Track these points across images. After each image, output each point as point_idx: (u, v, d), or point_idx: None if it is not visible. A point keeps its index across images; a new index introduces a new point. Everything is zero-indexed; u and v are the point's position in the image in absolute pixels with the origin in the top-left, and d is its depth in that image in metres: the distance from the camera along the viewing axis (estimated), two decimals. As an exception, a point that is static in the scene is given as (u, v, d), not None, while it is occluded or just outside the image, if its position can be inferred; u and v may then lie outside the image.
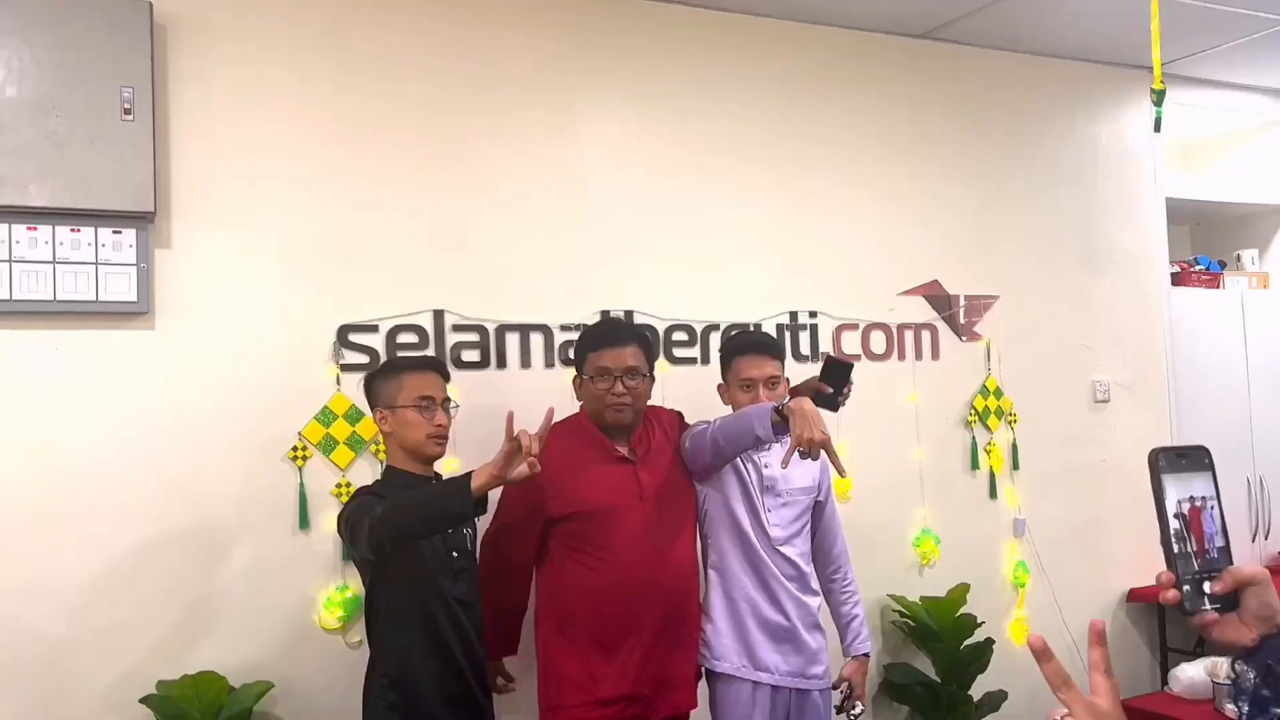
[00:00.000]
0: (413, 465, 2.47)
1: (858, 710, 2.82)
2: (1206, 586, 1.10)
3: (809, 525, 2.84)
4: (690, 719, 2.73)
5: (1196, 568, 1.10)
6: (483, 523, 2.58)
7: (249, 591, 2.75)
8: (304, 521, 2.81)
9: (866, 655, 2.88)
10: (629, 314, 3.29)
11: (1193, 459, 1.14)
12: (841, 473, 2.40)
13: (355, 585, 2.83)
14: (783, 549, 2.74)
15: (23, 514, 2.55)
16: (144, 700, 2.56)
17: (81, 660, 2.59)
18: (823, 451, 2.33)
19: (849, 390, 2.75)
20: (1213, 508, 1.13)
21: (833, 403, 2.66)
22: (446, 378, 2.56)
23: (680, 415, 2.87)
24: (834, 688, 2.82)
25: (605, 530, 2.57)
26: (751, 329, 3.43)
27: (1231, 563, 1.11)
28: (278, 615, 2.79)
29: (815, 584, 2.83)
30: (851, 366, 2.72)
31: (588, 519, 2.58)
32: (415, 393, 2.44)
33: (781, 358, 2.84)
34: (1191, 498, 1.12)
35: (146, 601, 2.66)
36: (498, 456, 2.08)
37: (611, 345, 2.63)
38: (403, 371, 2.50)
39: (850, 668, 2.84)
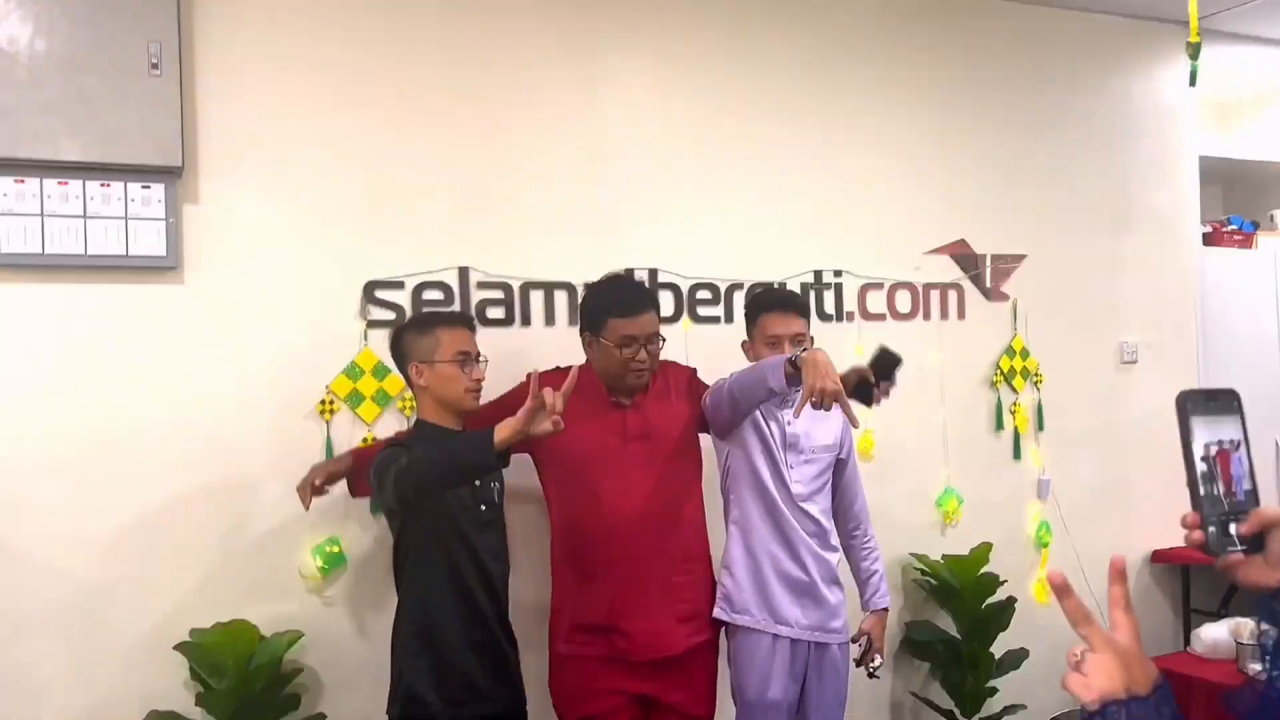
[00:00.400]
0: (445, 419, 2.51)
1: (876, 664, 2.84)
2: (1232, 528, 1.10)
3: (830, 482, 2.85)
4: (682, 667, 2.68)
5: (1223, 510, 1.10)
6: (510, 478, 2.61)
7: (278, 543, 2.79)
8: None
9: (886, 610, 2.90)
10: (652, 273, 3.29)
11: (1222, 402, 1.14)
12: (854, 423, 2.41)
13: (348, 539, 2.87)
14: (804, 505, 2.75)
15: (55, 465, 2.60)
16: (177, 647, 2.62)
17: (115, 609, 2.65)
18: (835, 404, 2.31)
19: (890, 388, 2.53)
20: (1241, 451, 1.13)
21: (869, 395, 2.49)
22: (475, 331, 2.59)
23: (694, 371, 2.87)
24: (853, 641, 2.84)
25: (588, 470, 2.61)
26: (776, 287, 3.43)
27: (1259, 505, 1.11)
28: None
29: (835, 540, 2.85)
30: (901, 361, 2.53)
31: (572, 462, 2.62)
32: (453, 348, 2.48)
33: (807, 315, 2.84)
34: (1220, 441, 1.12)
35: (178, 552, 2.71)
36: (522, 413, 2.11)
37: (635, 313, 2.60)
38: (438, 327, 2.53)
39: (870, 622, 2.87)
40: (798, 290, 3.47)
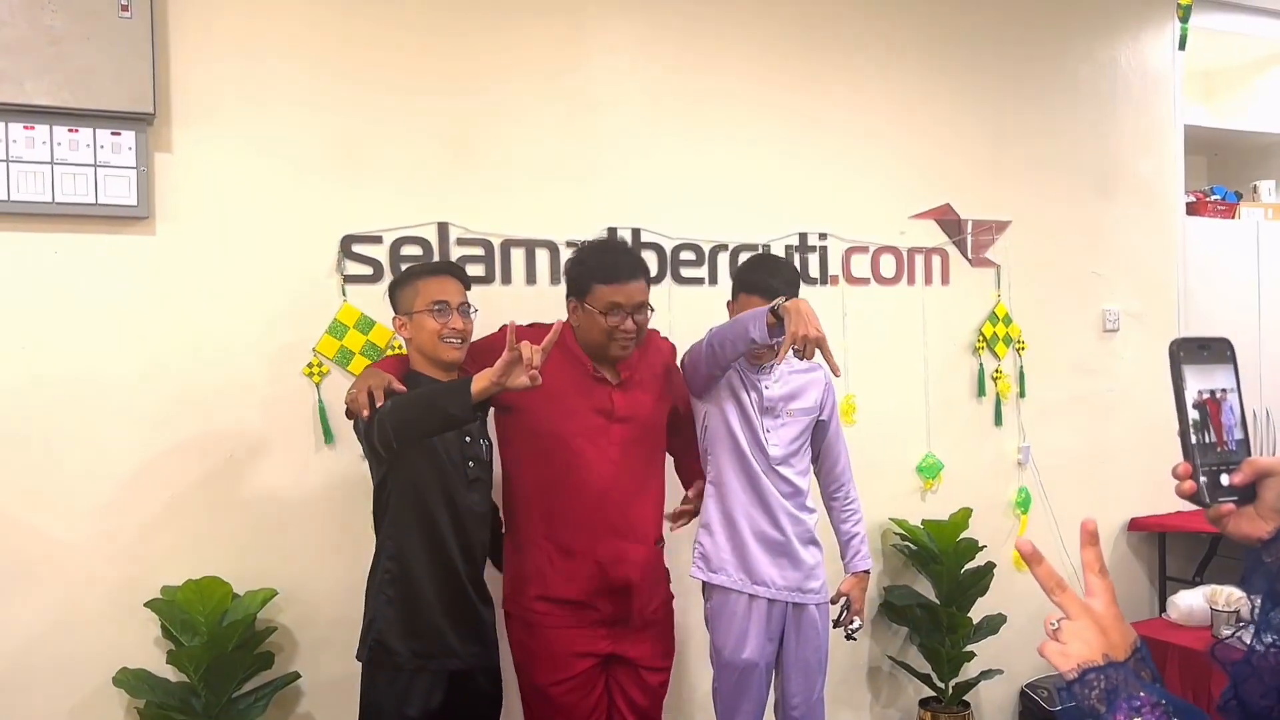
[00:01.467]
0: (434, 370, 2.47)
1: (855, 625, 2.83)
2: (1224, 479, 1.08)
3: (808, 443, 2.83)
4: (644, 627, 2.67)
5: (1214, 459, 1.08)
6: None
7: (252, 500, 2.75)
8: (329, 436, 2.83)
9: (866, 572, 2.89)
10: (635, 232, 3.25)
11: (1214, 351, 1.12)
12: (835, 372, 2.42)
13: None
14: (780, 468, 2.74)
15: (23, 420, 2.54)
16: (148, 604, 2.58)
17: (88, 564, 2.60)
18: (818, 349, 2.32)
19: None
20: (1233, 400, 1.10)
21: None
22: (465, 283, 2.55)
23: (674, 350, 2.84)
24: (832, 602, 2.84)
25: (571, 447, 2.54)
26: (760, 250, 3.39)
27: (1250, 455, 1.09)
28: (283, 524, 2.79)
29: (811, 502, 2.84)
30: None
31: (555, 440, 2.54)
32: (430, 297, 2.44)
33: (796, 285, 2.76)
34: (1211, 390, 1.10)
35: (149, 509, 2.66)
36: (499, 364, 2.09)
37: (624, 280, 2.53)
38: (419, 277, 2.50)
39: (849, 583, 2.86)
40: (782, 253, 3.44)
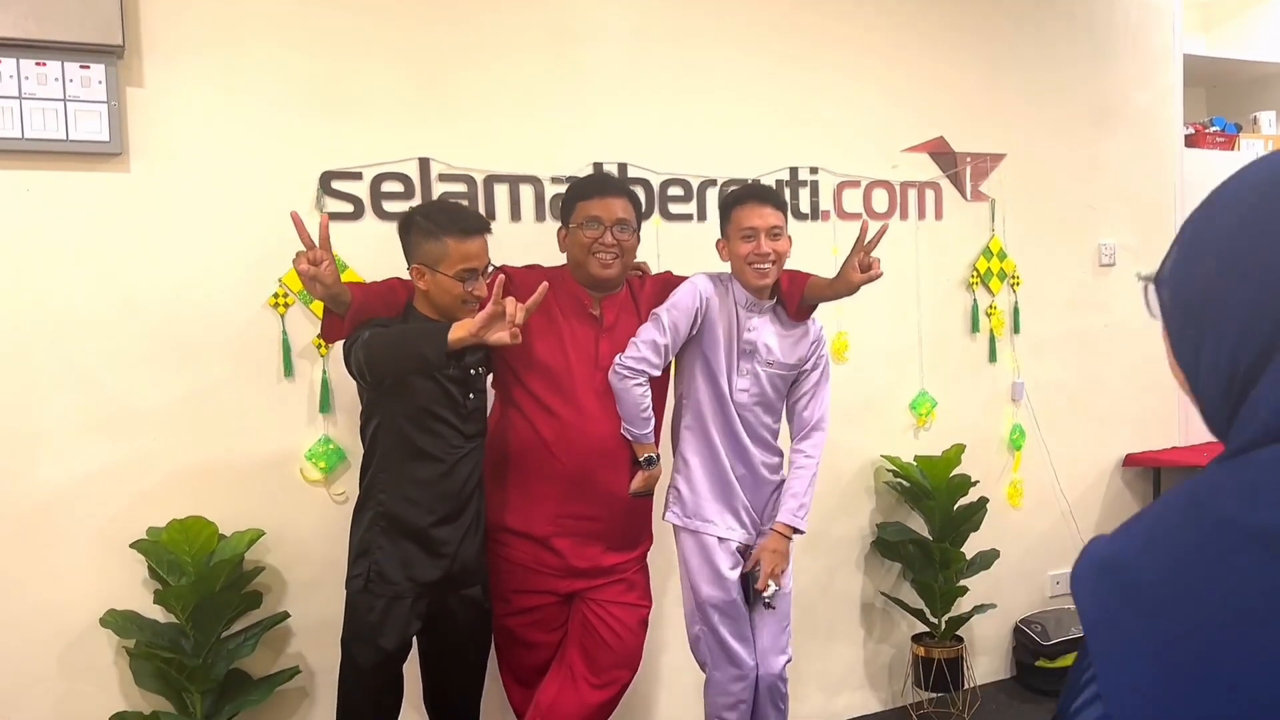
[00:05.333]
0: (435, 315, 2.41)
1: (769, 592, 2.66)
2: None
3: (783, 391, 2.77)
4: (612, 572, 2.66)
5: None
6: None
7: (236, 440, 2.73)
8: (288, 369, 2.77)
9: (786, 530, 2.71)
10: (622, 167, 3.19)
11: None
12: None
13: (337, 436, 2.82)
14: (752, 410, 2.71)
15: (2, 359, 2.51)
16: (135, 545, 2.56)
17: (71, 506, 2.58)
18: None
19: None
20: None
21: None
22: (489, 234, 2.43)
23: (668, 277, 2.80)
24: (745, 572, 2.74)
25: (553, 384, 2.54)
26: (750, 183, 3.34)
27: None
28: (266, 465, 2.77)
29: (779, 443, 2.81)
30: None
31: (541, 373, 2.54)
32: (460, 264, 2.33)
33: (784, 209, 2.71)
34: None
35: (131, 449, 2.63)
36: (481, 317, 2.08)
37: (603, 195, 2.57)
38: (449, 234, 2.33)
39: (762, 543, 2.73)
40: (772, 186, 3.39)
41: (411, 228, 2.39)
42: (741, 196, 2.73)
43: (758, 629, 2.77)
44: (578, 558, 2.58)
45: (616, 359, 2.57)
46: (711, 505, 2.71)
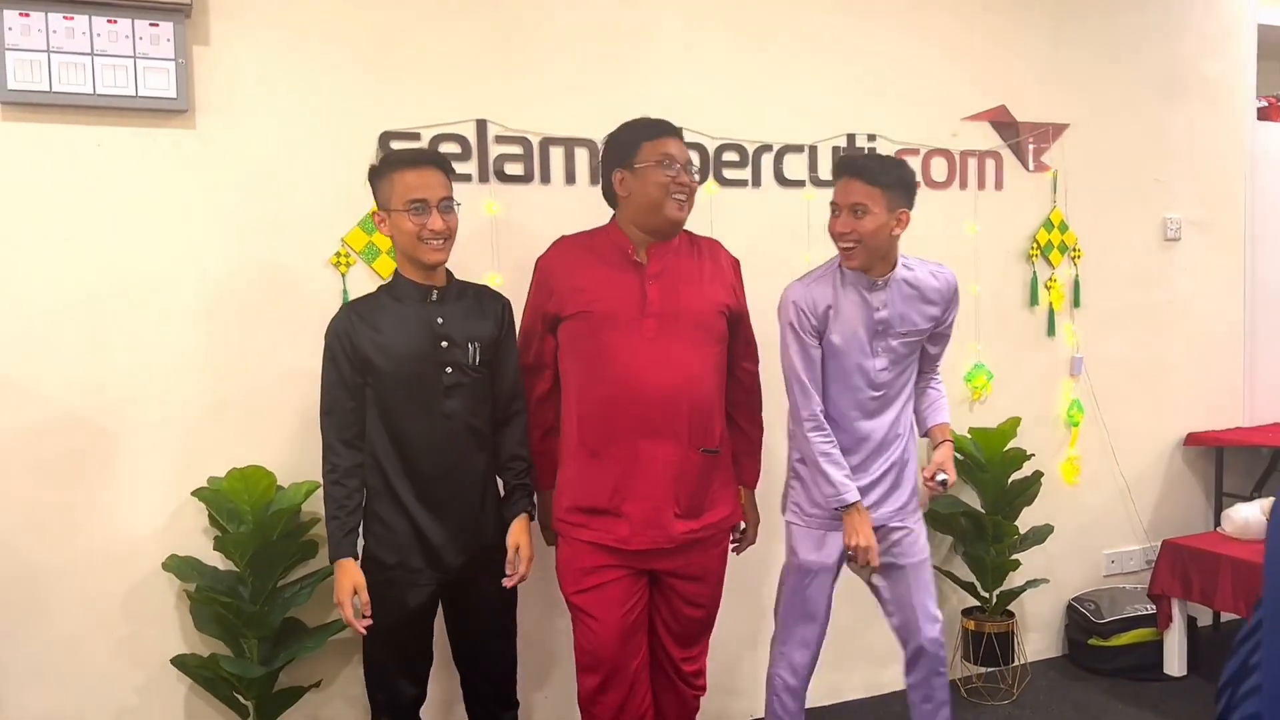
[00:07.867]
0: (414, 273, 2.36)
1: (939, 477, 2.62)
2: None
3: (916, 356, 2.70)
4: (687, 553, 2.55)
5: None
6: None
7: (295, 395, 2.76)
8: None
9: (948, 428, 2.75)
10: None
11: None
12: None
13: None
14: (883, 392, 2.62)
15: (67, 311, 2.58)
16: (196, 493, 2.63)
17: (134, 453, 2.65)
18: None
19: None
20: None
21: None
22: (449, 173, 2.36)
23: (738, 262, 2.69)
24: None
25: (601, 335, 2.43)
26: (805, 151, 3.32)
27: None
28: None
29: (903, 429, 2.70)
30: None
31: (588, 319, 2.44)
32: (406, 195, 2.27)
33: (876, 183, 2.50)
34: None
35: (192, 400, 2.70)
36: (342, 601, 2.33)
37: (668, 134, 2.48)
38: (394, 168, 2.31)
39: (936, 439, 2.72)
40: (829, 155, 3.36)
41: (371, 179, 2.38)
42: (835, 170, 2.65)
43: (914, 593, 2.68)
44: (643, 523, 2.45)
45: (791, 425, 2.64)
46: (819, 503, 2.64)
